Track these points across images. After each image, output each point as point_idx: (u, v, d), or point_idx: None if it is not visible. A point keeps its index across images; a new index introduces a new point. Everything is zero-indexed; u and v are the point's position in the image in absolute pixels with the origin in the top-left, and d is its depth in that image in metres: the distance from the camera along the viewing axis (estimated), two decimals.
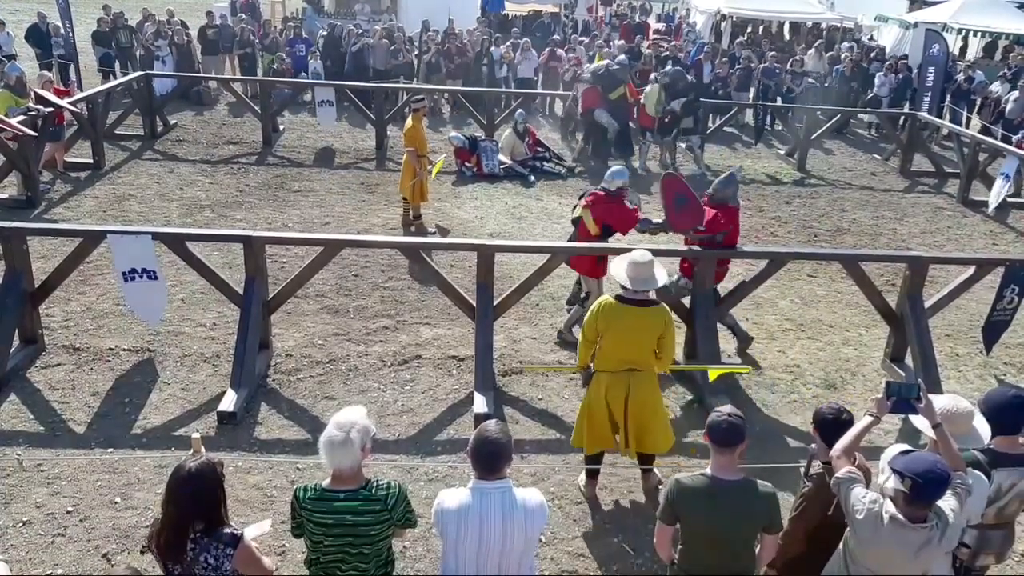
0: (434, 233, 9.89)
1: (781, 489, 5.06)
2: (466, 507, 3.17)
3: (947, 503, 3.16)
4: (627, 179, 7.21)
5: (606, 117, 13.09)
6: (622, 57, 13.97)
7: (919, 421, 3.50)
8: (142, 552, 3.14)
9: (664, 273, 4.90)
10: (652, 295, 4.91)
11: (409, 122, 9.74)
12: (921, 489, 3.03)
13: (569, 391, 6.45)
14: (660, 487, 5.17)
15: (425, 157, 9.84)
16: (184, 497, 3.03)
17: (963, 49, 22.04)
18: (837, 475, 3.35)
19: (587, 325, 4.89)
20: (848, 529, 3.32)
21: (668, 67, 14.14)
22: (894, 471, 3.12)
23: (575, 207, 7.41)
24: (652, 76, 13.87)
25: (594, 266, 6.86)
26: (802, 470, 3.96)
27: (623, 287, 4.76)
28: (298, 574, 4.33)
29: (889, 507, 3.14)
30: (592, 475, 5.24)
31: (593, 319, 4.82)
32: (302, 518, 3.24)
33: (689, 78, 14.05)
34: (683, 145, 13.48)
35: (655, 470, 5.27)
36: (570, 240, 7.45)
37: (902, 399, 3.46)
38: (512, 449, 3.30)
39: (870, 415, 3.49)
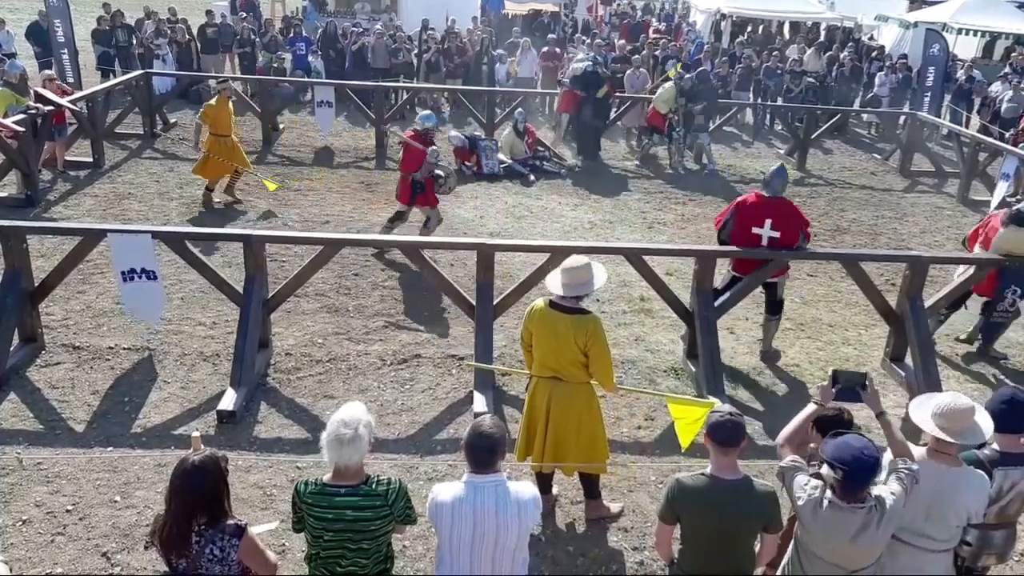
0: (219, 204, 10.31)
1: (780, 489, 5.09)
2: (460, 500, 3.18)
3: (889, 487, 3.21)
4: (435, 123, 8.98)
5: (565, 121, 13.44)
6: (588, 62, 13.53)
7: (917, 413, 3.55)
8: (145, 548, 3.15)
9: (603, 276, 4.64)
10: (583, 305, 4.57)
11: (212, 101, 10.17)
12: (851, 476, 3.09)
13: None
14: (605, 520, 5.01)
15: (228, 137, 10.19)
16: (188, 490, 3.04)
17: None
18: (780, 464, 3.41)
19: (522, 328, 4.77)
20: (796, 519, 3.37)
21: (687, 71, 14.06)
22: (825, 460, 3.19)
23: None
24: (670, 73, 13.93)
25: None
26: None
27: (555, 294, 4.51)
28: (298, 572, 4.32)
29: (828, 492, 3.20)
30: (544, 491, 4.89)
31: (526, 322, 4.70)
32: (303, 513, 3.25)
33: (712, 81, 14.12)
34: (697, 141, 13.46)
35: (605, 503, 5.05)
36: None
37: (847, 387, 3.54)
38: (506, 444, 3.31)
39: (814, 403, 3.58)
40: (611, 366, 4.66)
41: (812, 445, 3.84)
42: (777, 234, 6.58)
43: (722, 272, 7.05)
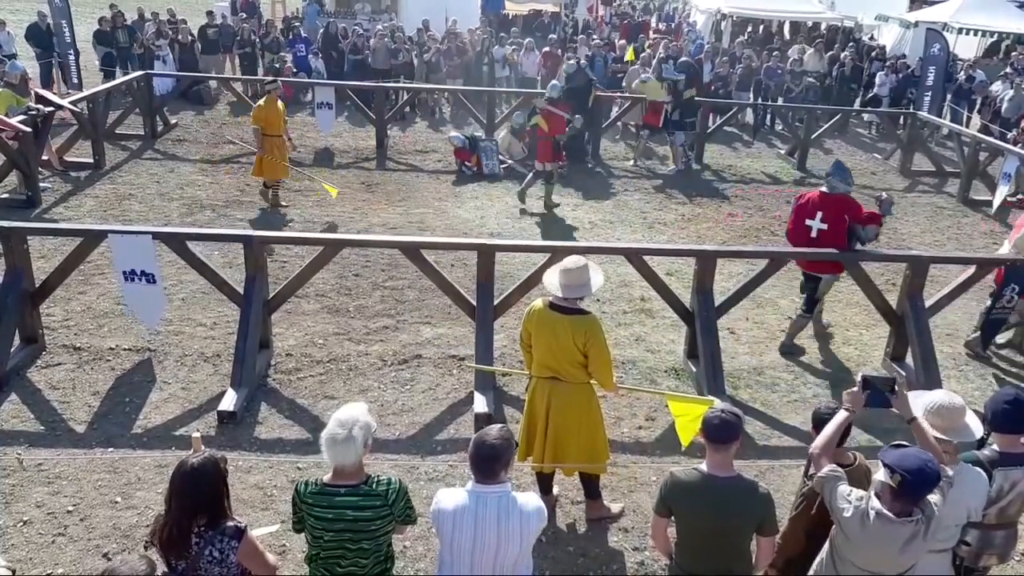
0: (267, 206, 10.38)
1: (781, 488, 5.10)
2: (462, 509, 3.17)
3: (931, 497, 3.16)
4: (560, 90, 11.04)
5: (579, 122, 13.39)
6: (572, 64, 13.60)
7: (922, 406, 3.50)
8: (145, 548, 3.16)
9: (600, 278, 4.64)
10: (583, 304, 4.57)
11: (261, 102, 10.17)
12: (910, 485, 3.03)
13: None
14: (606, 520, 5.01)
15: (280, 137, 10.22)
16: (187, 491, 3.04)
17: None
18: (819, 474, 3.34)
19: (522, 329, 4.77)
20: (834, 527, 3.32)
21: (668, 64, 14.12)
22: (884, 464, 3.12)
23: (531, 118, 10.89)
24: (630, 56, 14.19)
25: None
26: (802, 469, 3.96)
27: (554, 295, 4.54)
28: (299, 573, 4.33)
29: (875, 503, 3.14)
30: (545, 492, 4.97)
31: (524, 322, 4.70)
32: (303, 513, 3.25)
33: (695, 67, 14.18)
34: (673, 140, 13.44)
35: (606, 503, 5.07)
36: (529, 145, 10.59)
37: (877, 392, 3.46)
38: (512, 454, 3.28)
39: (845, 409, 3.50)
40: (610, 366, 4.65)
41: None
42: (825, 226, 6.83)
43: (722, 272, 7.07)
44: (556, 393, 4.60)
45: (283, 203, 10.46)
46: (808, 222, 6.93)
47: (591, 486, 4.98)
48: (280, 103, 10.37)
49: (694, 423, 4.59)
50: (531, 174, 11.08)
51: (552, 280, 4.57)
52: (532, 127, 11.04)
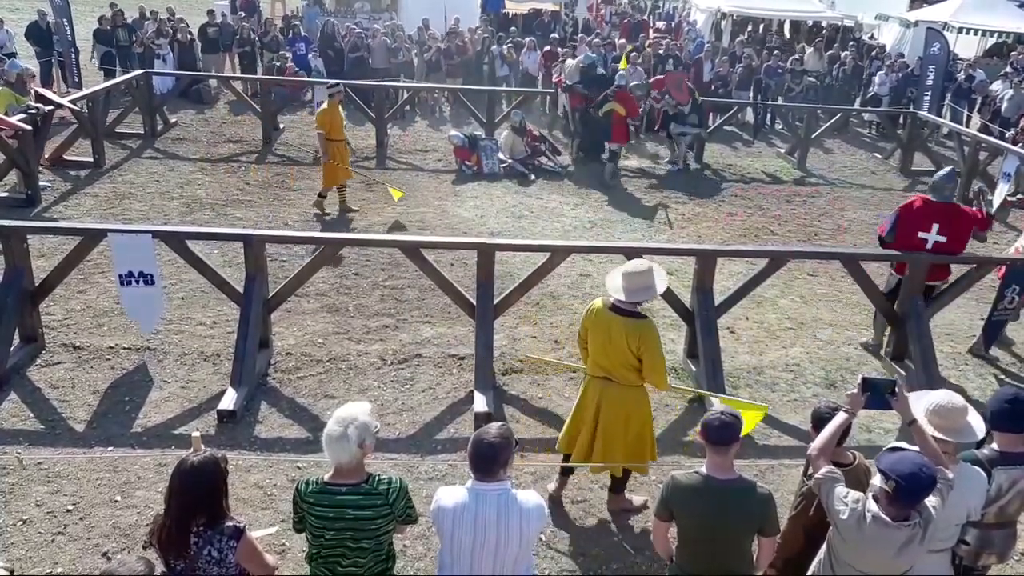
0: (329, 215, 10.27)
1: (780, 488, 5.10)
2: (462, 507, 3.17)
3: (929, 500, 3.15)
4: (643, 79, 13.16)
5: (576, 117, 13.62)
6: (589, 56, 13.99)
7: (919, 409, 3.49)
8: (144, 548, 3.16)
9: (665, 280, 4.69)
10: (640, 308, 4.58)
11: (324, 106, 10.15)
12: (904, 491, 3.02)
13: (570, 390, 6.43)
14: (628, 511, 5.07)
15: (342, 141, 10.22)
16: (187, 490, 3.04)
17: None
18: (816, 475, 3.34)
19: (580, 326, 4.84)
20: (831, 528, 3.32)
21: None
22: (879, 470, 3.12)
23: (604, 105, 12.13)
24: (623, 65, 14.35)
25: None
26: (802, 469, 3.96)
27: (616, 298, 4.56)
28: (299, 572, 4.33)
29: (872, 506, 3.13)
30: (564, 473, 5.11)
31: (583, 320, 4.76)
32: (304, 512, 3.25)
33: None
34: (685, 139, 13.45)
35: (627, 496, 5.13)
36: (603, 130, 12.16)
37: (877, 394, 3.43)
38: (511, 453, 3.27)
39: (844, 411, 3.49)
40: (664, 370, 4.64)
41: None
42: (943, 239, 6.61)
43: (722, 272, 7.04)
44: (607, 395, 4.65)
45: (353, 207, 10.47)
46: (922, 235, 6.65)
47: (618, 481, 5.03)
48: (341, 108, 10.39)
49: (750, 424, 4.65)
50: (608, 157, 12.41)
51: (614, 283, 4.57)
52: (606, 113, 12.25)
